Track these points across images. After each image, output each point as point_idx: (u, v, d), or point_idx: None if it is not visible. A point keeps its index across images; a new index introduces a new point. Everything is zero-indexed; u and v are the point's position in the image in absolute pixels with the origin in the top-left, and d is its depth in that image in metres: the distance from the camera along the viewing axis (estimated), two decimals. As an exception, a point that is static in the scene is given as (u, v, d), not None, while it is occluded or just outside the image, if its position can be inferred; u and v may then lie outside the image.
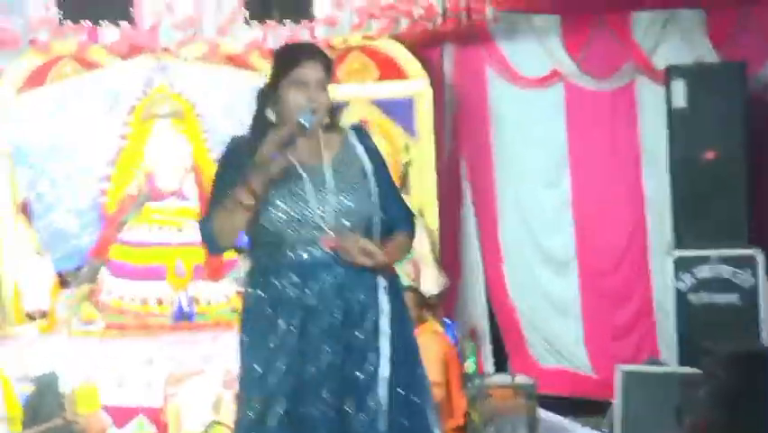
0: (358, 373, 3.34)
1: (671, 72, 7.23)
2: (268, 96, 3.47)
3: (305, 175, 3.40)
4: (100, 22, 7.59)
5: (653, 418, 6.46)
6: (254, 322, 3.44)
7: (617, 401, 6.66)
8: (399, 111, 8.15)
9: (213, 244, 3.41)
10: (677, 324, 6.96)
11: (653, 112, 7.62)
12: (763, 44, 7.45)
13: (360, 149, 3.54)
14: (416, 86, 8.18)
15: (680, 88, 7.15)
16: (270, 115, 3.44)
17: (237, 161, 3.41)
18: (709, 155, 7.01)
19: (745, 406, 5.46)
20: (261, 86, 3.53)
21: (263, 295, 3.42)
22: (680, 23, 7.70)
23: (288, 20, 7.47)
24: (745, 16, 7.47)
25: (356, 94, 8.19)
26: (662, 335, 7.60)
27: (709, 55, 7.52)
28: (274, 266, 3.41)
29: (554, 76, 7.96)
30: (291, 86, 3.40)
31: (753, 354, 5.81)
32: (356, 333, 3.37)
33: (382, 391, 3.32)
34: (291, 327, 3.36)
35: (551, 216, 7.92)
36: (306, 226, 3.37)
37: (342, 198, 3.41)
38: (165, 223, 7.44)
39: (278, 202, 3.37)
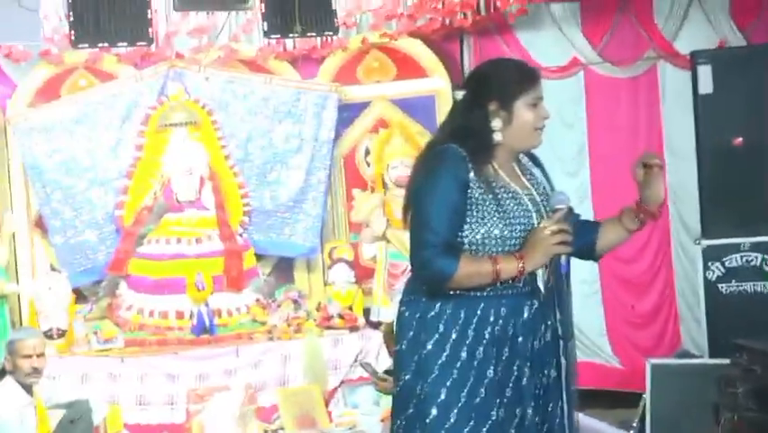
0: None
1: (696, 57, 7.01)
2: (492, 114, 3.29)
3: (526, 200, 3.33)
4: (119, 44, 7.34)
5: (686, 412, 6.28)
6: (448, 367, 3.24)
7: (647, 395, 6.49)
8: (420, 109, 8.02)
9: (440, 283, 3.21)
10: (706, 314, 6.79)
11: (675, 97, 7.48)
12: (788, 25, 7.28)
13: (537, 170, 3.48)
14: (436, 83, 8.05)
15: (706, 74, 6.93)
16: (498, 135, 3.29)
17: (462, 177, 3.22)
18: (737, 141, 6.80)
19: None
20: (467, 100, 3.34)
21: (467, 334, 3.25)
22: (703, 6, 7.52)
23: (311, 33, 7.25)
24: (770, -4, 7.30)
25: (375, 93, 8.08)
26: (685, 324, 7.53)
27: (733, 37, 7.35)
28: (475, 300, 3.26)
29: (575, 64, 7.81)
30: (527, 106, 3.29)
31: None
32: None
33: None
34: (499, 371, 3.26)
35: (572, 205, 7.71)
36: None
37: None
38: (184, 234, 7.34)
39: (496, 232, 3.24)
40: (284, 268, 7.85)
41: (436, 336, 3.24)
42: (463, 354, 3.22)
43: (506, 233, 3.23)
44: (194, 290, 7.07)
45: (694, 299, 7.19)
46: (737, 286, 6.68)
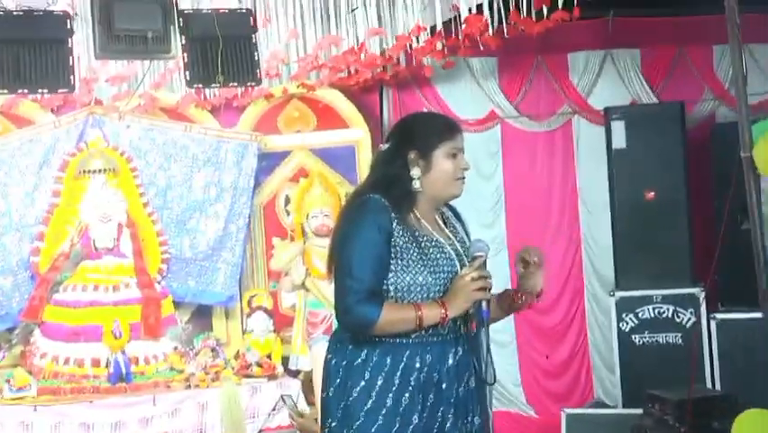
0: None
1: (610, 113, 7.23)
2: (411, 162, 3.37)
3: (449, 249, 3.39)
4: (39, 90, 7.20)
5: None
6: (373, 414, 3.27)
7: (562, 445, 6.58)
8: (340, 159, 8.07)
9: (363, 329, 3.26)
10: (620, 364, 6.93)
11: (590, 151, 7.67)
12: (696, 83, 7.51)
13: (459, 225, 3.55)
14: (355, 134, 8.11)
15: (619, 129, 7.14)
16: (416, 183, 3.37)
17: (386, 226, 3.29)
18: (649, 195, 6.99)
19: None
20: (390, 150, 3.41)
21: (393, 381, 3.29)
22: (616, 64, 7.73)
23: (233, 84, 7.27)
24: (680, 56, 7.53)
25: (295, 143, 8.11)
26: (598, 374, 7.64)
27: (645, 95, 7.58)
28: (401, 347, 3.30)
29: (492, 118, 7.94)
30: (445, 155, 3.39)
31: (701, 399, 5.73)
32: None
33: None
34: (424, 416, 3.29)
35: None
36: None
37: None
38: (101, 282, 7.27)
39: (420, 279, 3.30)
40: (202, 316, 7.80)
41: (362, 382, 3.28)
42: (389, 401, 3.26)
43: (430, 280, 3.30)
44: (110, 338, 6.99)
45: (608, 349, 7.32)
46: (650, 337, 6.83)
